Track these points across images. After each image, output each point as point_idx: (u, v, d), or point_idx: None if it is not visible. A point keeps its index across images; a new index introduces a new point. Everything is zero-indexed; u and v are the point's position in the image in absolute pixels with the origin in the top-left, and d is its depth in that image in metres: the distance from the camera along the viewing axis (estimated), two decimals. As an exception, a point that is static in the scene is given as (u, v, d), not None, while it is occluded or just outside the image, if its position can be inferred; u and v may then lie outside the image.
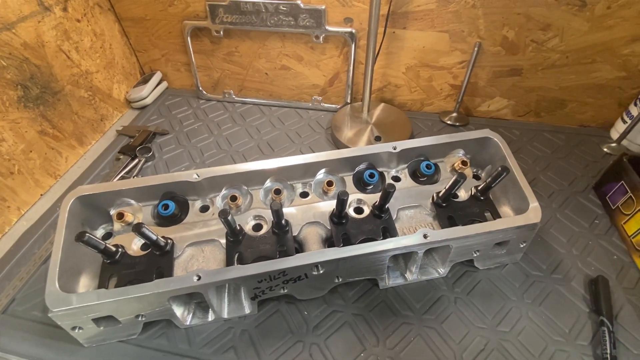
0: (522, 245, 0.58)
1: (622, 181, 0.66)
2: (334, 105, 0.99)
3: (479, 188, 0.57)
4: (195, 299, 0.56)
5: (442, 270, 0.59)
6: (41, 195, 0.79)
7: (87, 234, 0.45)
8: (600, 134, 0.88)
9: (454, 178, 0.51)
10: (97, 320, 0.50)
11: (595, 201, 0.72)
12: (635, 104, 0.80)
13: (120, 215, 0.54)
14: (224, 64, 0.99)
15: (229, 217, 0.46)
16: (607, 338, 0.51)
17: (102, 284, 0.50)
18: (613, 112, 0.86)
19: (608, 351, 0.50)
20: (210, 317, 0.55)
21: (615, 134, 0.85)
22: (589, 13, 0.72)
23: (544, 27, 0.76)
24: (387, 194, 0.50)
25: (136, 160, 0.84)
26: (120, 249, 0.51)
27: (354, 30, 0.85)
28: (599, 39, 0.76)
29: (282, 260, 0.49)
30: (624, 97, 0.84)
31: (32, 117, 0.75)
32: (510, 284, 0.60)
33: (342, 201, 0.49)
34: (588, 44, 0.77)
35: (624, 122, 0.82)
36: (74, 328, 0.49)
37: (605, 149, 0.84)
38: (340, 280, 0.54)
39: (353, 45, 0.87)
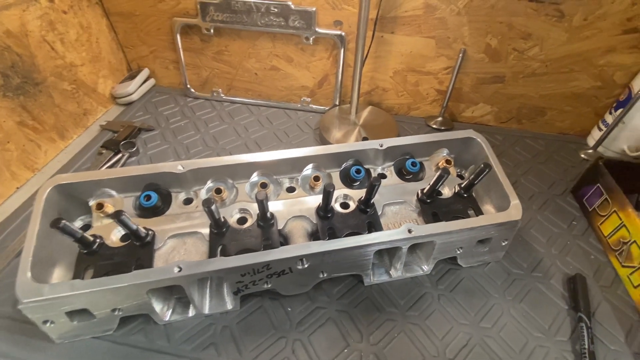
0: (503, 244, 0.60)
1: (598, 184, 0.69)
2: (322, 107, 0.99)
3: (463, 185, 0.58)
4: (176, 294, 0.55)
5: (426, 268, 0.60)
6: (17, 188, 0.76)
7: (63, 221, 0.43)
8: (578, 141, 0.91)
9: (438, 173, 0.52)
10: (70, 314, 0.47)
11: (573, 204, 0.75)
12: (610, 113, 0.83)
13: (100, 206, 0.53)
14: (213, 63, 0.99)
15: (213, 207, 0.46)
16: (585, 334, 0.53)
17: (78, 275, 0.48)
18: (590, 120, 0.90)
19: (586, 346, 0.51)
20: (191, 312, 0.54)
21: (591, 141, 0.89)
22: (567, 24, 0.76)
23: (525, 36, 0.80)
24: (372, 187, 0.50)
25: (119, 155, 0.82)
26: (98, 239, 0.49)
27: (343, 33, 0.86)
28: (576, 49, 0.79)
29: (267, 252, 0.48)
30: (599, 107, 0.88)
31: (11, 107, 0.73)
32: (493, 282, 0.61)
33: (328, 193, 0.49)
34: (566, 53, 0.80)
35: (600, 129, 0.86)
36: (45, 322, 0.47)
37: (582, 155, 0.87)
38: (325, 275, 0.54)
39: (342, 48, 0.88)
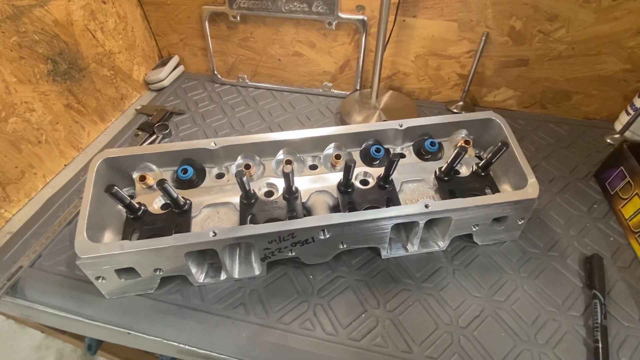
0: (520, 222, 0.61)
1: (622, 167, 0.68)
2: (343, 92, 1.02)
3: (480, 164, 0.60)
4: (209, 260, 0.60)
5: (442, 244, 0.62)
6: (65, 165, 0.84)
7: (115, 187, 0.49)
8: (604, 125, 0.89)
9: (456, 151, 0.54)
10: (119, 272, 0.54)
11: (595, 188, 0.74)
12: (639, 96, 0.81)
13: (142, 178, 0.58)
14: (238, 49, 1.03)
15: (244, 178, 0.50)
16: (599, 309, 0.54)
17: (125, 237, 0.54)
18: (618, 104, 0.88)
19: (599, 321, 0.53)
20: (222, 276, 0.59)
21: (619, 126, 0.87)
22: (595, 4, 0.75)
23: (550, 18, 0.79)
24: (391, 163, 0.53)
25: (154, 137, 0.88)
26: (142, 207, 0.55)
27: (365, 18, 0.88)
28: (604, 31, 0.78)
29: (291, 222, 0.52)
30: (629, 90, 0.85)
31: (59, 90, 0.80)
32: (508, 259, 0.63)
33: (348, 168, 0.52)
34: (594, 35, 0.79)
35: (628, 114, 0.84)
36: (97, 278, 0.54)
37: (608, 140, 0.85)
38: (345, 246, 0.57)
39: (364, 33, 0.90)
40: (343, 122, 0.91)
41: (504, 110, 0.96)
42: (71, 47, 0.82)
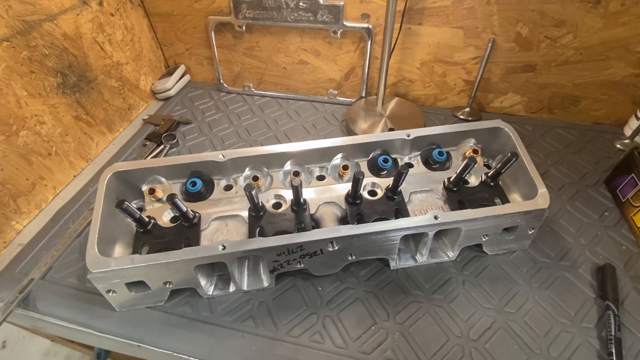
0: (530, 232, 0.60)
1: (633, 174, 0.67)
2: (349, 99, 1.02)
3: (489, 174, 0.60)
4: (218, 272, 0.60)
5: (452, 254, 0.62)
6: (74, 176, 0.85)
7: (126, 202, 0.49)
8: (614, 130, 0.88)
9: (465, 162, 0.54)
10: (129, 285, 0.54)
11: (606, 194, 0.73)
12: (650, 101, 0.80)
13: (152, 191, 0.59)
14: (244, 58, 1.04)
15: (253, 192, 0.50)
16: (612, 321, 0.53)
17: (135, 251, 0.54)
18: (627, 109, 0.87)
19: (613, 333, 0.52)
20: (231, 288, 0.59)
21: (628, 131, 0.86)
22: (602, 10, 0.74)
23: (557, 24, 0.78)
24: (400, 175, 0.53)
25: (162, 147, 0.89)
26: (152, 220, 0.56)
27: (370, 26, 0.88)
28: (612, 36, 0.77)
29: (300, 234, 0.52)
30: (637, 95, 0.84)
31: (69, 103, 0.81)
32: (518, 269, 0.62)
33: (357, 180, 0.52)
34: (602, 40, 0.78)
35: (638, 119, 0.83)
36: (108, 291, 0.54)
37: (618, 145, 0.84)
38: (354, 257, 0.57)
39: (369, 41, 0.90)
40: (349, 130, 0.91)
41: (511, 116, 0.96)
42: (80, 60, 0.83)
